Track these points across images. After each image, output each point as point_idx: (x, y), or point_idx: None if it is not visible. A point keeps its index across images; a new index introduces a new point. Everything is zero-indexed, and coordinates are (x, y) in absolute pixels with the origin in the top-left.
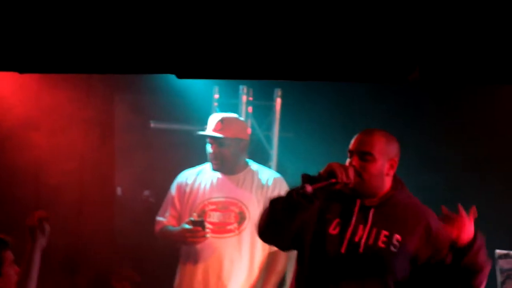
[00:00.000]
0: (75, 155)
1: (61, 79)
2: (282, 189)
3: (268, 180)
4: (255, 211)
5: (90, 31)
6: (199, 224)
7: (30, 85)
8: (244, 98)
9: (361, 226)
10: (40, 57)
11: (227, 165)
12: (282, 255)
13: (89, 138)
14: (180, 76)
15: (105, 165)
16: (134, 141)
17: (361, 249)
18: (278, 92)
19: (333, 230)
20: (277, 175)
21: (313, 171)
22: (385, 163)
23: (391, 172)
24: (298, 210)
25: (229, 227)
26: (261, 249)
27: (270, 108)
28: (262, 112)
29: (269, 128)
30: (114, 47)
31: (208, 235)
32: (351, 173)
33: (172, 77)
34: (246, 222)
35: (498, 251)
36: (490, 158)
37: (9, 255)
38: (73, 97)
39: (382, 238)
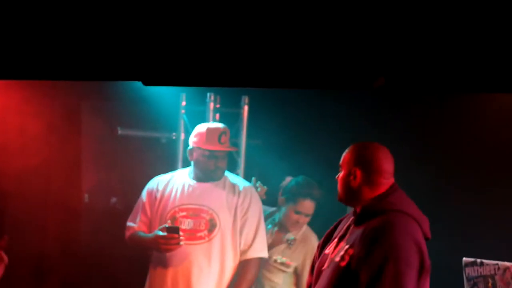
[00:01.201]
0: (41, 163)
1: (27, 86)
2: (253, 198)
3: (239, 188)
4: (225, 219)
5: (56, 38)
6: (174, 230)
7: None
8: (211, 105)
9: (341, 244)
10: (7, 63)
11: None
12: (254, 264)
13: (55, 146)
14: (146, 83)
15: (72, 173)
16: (101, 148)
17: (326, 265)
18: (245, 99)
19: (328, 250)
20: (247, 183)
21: (280, 178)
22: (346, 173)
23: (357, 182)
24: None
25: (199, 234)
26: (232, 257)
27: (238, 116)
28: (229, 120)
29: (236, 135)
30: (80, 54)
31: (182, 243)
32: None
33: (138, 84)
34: (216, 229)
35: (465, 259)
36: (456, 165)
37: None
38: (39, 104)
39: (341, 252)
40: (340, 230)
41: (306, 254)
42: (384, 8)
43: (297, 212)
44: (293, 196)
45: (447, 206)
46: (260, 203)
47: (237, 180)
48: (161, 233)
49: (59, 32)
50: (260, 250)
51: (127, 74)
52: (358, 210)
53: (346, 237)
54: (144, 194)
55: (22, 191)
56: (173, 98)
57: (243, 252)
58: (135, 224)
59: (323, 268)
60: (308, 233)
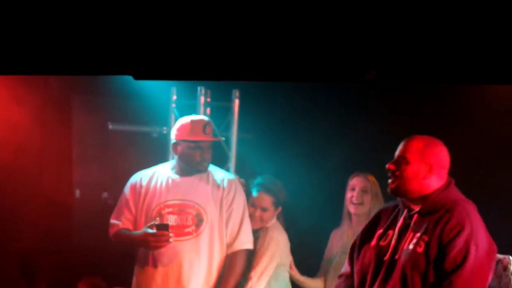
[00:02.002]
0: (32, 158)
1: (18, 80)
2: (237, 190)
3: (223, 181)
4: (212, 213)
5: (47, 32)
6: (164, 228)
7: None
8: (202, 99)
9: (403, 233)
10: None
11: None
12: (241, 256)
13: (46, 140)
14: (137, 77)
15: (63, 168)
16: (92, 143)
17: (397, 255)
18: (236, 93)
19: (383, 241)
20: (232, 176)
21: (271, 172)
22: (421, 167)
23: (429, 176)
24: None
25: (186, 229)
26: (220, 250)
27: (228, 109)
28: (220, 113)
29: (227, 129)
30: (71, 48)
31: (171, 239)
32: None
33: (129, 78)
34: (203, 224)
35: None
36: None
37: None
38: (30, 98)
39: (413, 240)
40: (392, 222)
41: (269, 241)
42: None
43: (253, 205)
44: (251, 189)
45: None
46: (243, 195)
47: (221, 173)
48: (150, 230)
49: (49, 27)
50: (246, 242)
51: (117, 68)
52: (419, 203)
53: (411, 227)
54: (127, 190)
55: (12, 186)
56: (164, 92)
57: (229, 245)
58: (119, 222)
59: (385, 258)
60: (273, 227)
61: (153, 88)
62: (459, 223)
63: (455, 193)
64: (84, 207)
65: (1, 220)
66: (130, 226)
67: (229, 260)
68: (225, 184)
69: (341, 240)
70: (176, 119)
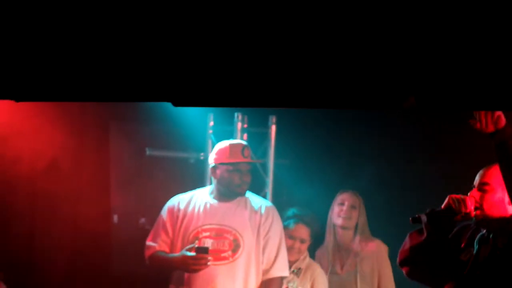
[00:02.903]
0: (71, 184)
1: (57, 107)
2: (274, 217)
3: (261, 207)
4: (249, 239)
5: (86, 58)
6: (203, 251)
7: (26, 113)
8: (239, 125)
9: (483, 248)
10: (36, 85)
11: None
12: (275, 283)
13: (84, 166)
14: (176, 104)
15: (101, 193)
16: (129, 169)
17: (479, 270)
18: (273, 119)
19: (464, 257)
20: (269, 203)
21: (308, 198)
22: (505, 192)
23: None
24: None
25: (223, 254)
26: (255, 276)
27: (265, 135)
28: (257, 139)
29: (264, 155)
30: (109, 74)
31: (209, 263)
32: (468, 203)
33: (167, 105)
34: (240, 250)
35: None
36: None
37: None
38: (68, 125)
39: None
40: (469, 238)
41: (314, 281)
42: (415, 27)
43: (291, 237)
44: (287, 221)
45: None
46: (281, 222)
47: (258, 199)
48: (189, 253)
49: (89, 53)
50: (282, 269)
51: (156, 95)
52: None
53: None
54: (164, 212)
55: (51, 212)
56: (201, 118)
57: (265, 272)
58: (155, 244)
59: (464, 273)
60: (310, 262)
61: (190, 114)
62: None
63: None
64: (121, 232)
65: (42, 245)
66: (167, 249)
67: (264, 287)
68: (263, 210)
69: (327, 258)
70: (213, 145)
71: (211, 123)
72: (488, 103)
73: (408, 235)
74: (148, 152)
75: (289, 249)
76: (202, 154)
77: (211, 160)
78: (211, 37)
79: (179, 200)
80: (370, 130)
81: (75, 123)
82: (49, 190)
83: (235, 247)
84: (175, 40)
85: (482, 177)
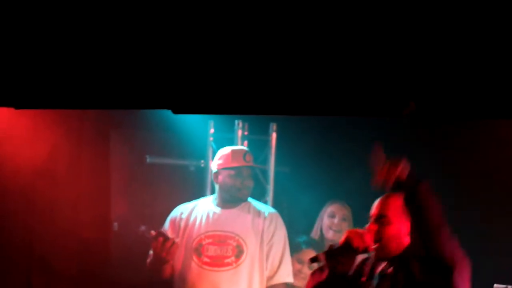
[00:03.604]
0: (70, 191)
1: (56, 114)
2: (278, 223)
3: (264, 214)
4: (252, 244)
5: (86, 67)
6: (159, 235)
7: (25, 120)
8: (239, 132)
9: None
10: (36, 93)
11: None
12: None
13: (84, 174)
14: (176, 111)
15: (101, 201)
16: (130, 176)
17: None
18: (273, 126)
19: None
20: (272, 209)
21: (308, 206)
22: (403, 224)
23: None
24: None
25: (226, 260)
26: (259, 282)
27: (266, 143)
28: (257, 147)
29: (264, 162)
30: (110, 82)
31: (176, 240)
32: (366, 237)
33: (167, 112)
34: (244, 255)
35: (496, 286)
36: (486, 194)
37: None
38: (68, 132)
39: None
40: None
41: None
42: (414, 34)
43: (299, 261)
44: (297, 244)
45: (479, 235)
46: (285, 229)
47: (261, 206)
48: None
49: (89, 61)
50: (286, 276)
51: (156, 102)
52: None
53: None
54: (167, 223)
55: (51, 220)
56: (201, 126)
57: (269, 278)
58: None
59: None
60: None
61: (190, 121)
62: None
63: None
64: (122, 240)
65: (41, 253)
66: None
67: None
68: (266, 216)
69: None
70: (213, 152)
71: (212, 130)
72: (488, 110)
73: (310, 274)
74: (148, 159)
75: (296, 273)
76: (202, 161)
77: (214, 166)
78: (212, 46)
79: (181, 211)
80: (371, 137)
81: (75, 130)
82: (48, 197)
83: (238, 252)
84: (176, 48)
85: (378, 209)
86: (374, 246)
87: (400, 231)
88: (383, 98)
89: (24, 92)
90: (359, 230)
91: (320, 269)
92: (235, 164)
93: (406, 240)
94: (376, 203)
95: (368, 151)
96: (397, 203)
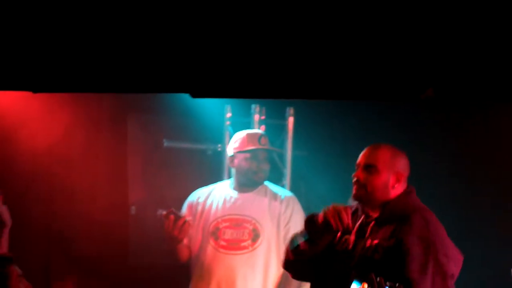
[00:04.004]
0: (88, 175)
1: (74, 98)
2: (294, 207)
3: (281, 197)
4: (269, 228)
5: (104, 50)
6: (170, 213)
7: (43, 104)
8: (256, 117)
9: (359, 239)
10: (53, 76)
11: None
12: None
13: (102, 158)
14: (194, 95)
15: (119, 185)
16: (147, 160)
17: (353, 262)
18: (290, 110)
19: (340, 247)
20: (289, 193)
21: (326, 190)
22: (390, 175)
23: (397, 185)
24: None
25: (243, 244)
26: (276, 266)
27: (283, 127)
28: (274, 131)
29: (281, 146)
30: (127, 66)
31: (188, 219)
32: (345, 215)
33: (185, 96)
34: (260, 239)
35: None
36: (502, 179)
37: (15, 270)
38: (86, 116)
39: (372, 247)
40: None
41: None
42: (433, 18)
43: None
44: None
45: (490, 221)
46: (302, 212)
47: (278, 189)
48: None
49: (107, 45)
50: None
51: (175, 86)
52: (378, 208)
53: (368, 234)
54: (184, 207)
55: (69, 204)
56: (218, 110)
57: None
58: None
59: (341, 266)
60: None
61: (207, 105)
62: (417, 233)
63: (417, 201)
64: (139, 224)
65: (59, 236)
66: (185, 241)
67: (285, 277)
68: (283, 200)
69: None
70: (230, 137)
71: (229, 115)
72: (506, 93)
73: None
74: (165, 143)
75: None
76: (219, 145)
77: (230, 150)
78: (230, 29)
79: (198, 195)
80: (388, 122)
81: (93, 114)
82: (66, 182)
83: (255, 236)
84: (194, 32)
85: (368, 158)
86: (359, 194)
87: (387, 182)
88: (400, 82)
89: (41, 76)
90: (337, 208)
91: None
92: (250, 147)
93: (394, 193)
94: (364, 152)
95: (385, 134)
96: (386, 154)
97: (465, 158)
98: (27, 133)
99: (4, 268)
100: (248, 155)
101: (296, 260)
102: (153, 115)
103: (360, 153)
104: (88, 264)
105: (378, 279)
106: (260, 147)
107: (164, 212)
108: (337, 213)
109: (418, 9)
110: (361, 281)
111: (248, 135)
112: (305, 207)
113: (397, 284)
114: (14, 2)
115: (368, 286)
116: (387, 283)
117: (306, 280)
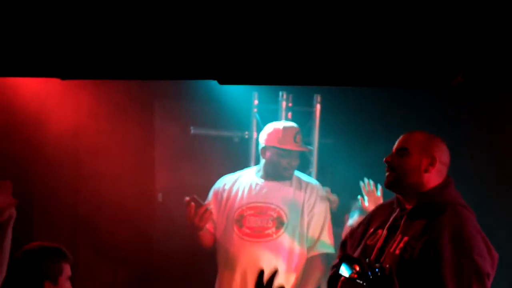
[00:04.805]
0: (115, 161)
1: (100, 85)
2: (318, 195)
3: (306, 185)
4: (293, 216)
5: (131, 37)
6: (192, 200)
7: (71, 91)
8: (283, 104)
9: (392, 235)
10: (81, 63)
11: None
12: (320, 260)
13: (129, 145)
14: (222, 82)
15: (146, 172)
16: (174, 147)
17: (382, 258)
18: (317, 98)
19: (371, 241)
20: (314, 181)
21: (352, 177)
22: (422, 158)
23: (431, 170)
24: None
25: (267, 231)
26: (299, 253)
27: (310, 114)
28: (301, 118)
29: (308, 134)
30: (155, 53)
31: (209, 207)
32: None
33: (212, 83)
34: (284, 227)
35: None
36: None
37: (68, 269)
38: (113, 103)
39: (400, 245)
40: (382, 220)
41: None
42: (464, 4)
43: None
44: (353, 212)
45: None
46: (326, 201)
47: (304, 178)
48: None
49: (134, 31)
50: (326, 246)
51: (202, 73)
52: (413, 201)
53: (400, 229)
54: (210, 194)
55: (95, 191)
56: (246, 97)
57: (310, 249)
58: None
59: (370, 259)
60: None
61: (234, 92)
62: (449, 232)
63: (454, 195)
64: (166, 211)
65: (86, 223)
66: (211, 228)
67: (308, 264)
68: (308, 188)
69: None
70: (257, 124)
71: (256, 102)
72: None
73: None
74: (192, 130)
75: None
76: (246, 132)
77: (262, 140)
78: (257, 16)
79: (224, 182)
80: (417, 110)
81: (120, 101)
82: (93, 169)
83: (279, 224)
84: (221, 18)
85: (401, 142)
86: (390, 178)
87: (419, 165)
88: (430, 69)
89: (69, 62)
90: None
91: None
92: (284, 146)
93: (429, 178)
94: (399, 138)
95: (416, 122)
96: (419, 138)
97: (497, 146)
98: (55, 119)
99: (58, 262)
100: (281, 151)
101: None
102: (180, 102)
103: (387, 140)
104: (114, 252)
105: (367, 260)
106: (295, 147)
107: (187, 199)
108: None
109: None
110: (350, 263)
111: (284, 130)
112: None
113: (387, 266)
114: None
115: (359, 268)
116: (377, 265)
117: None
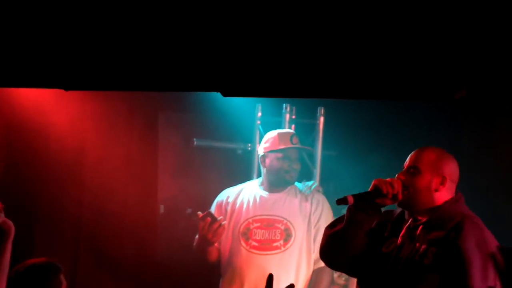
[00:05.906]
0: (118, 173)
1: (104, 96)
2: (325, 206)
3: (311, 196)
4: (300, 228)
5: (136, 48)
6: (207, 215)
7: (75, 102)
8: (287, 116)
9: (407, 243)
10: (85, 74)
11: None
12: (327, 273)
13: (132, 156)
14: (225, 94)
15: (148, 183)
16: (177, 159)
17: (400, 265)
18: (321, 110)
19: (386, 248)
20: (319, 192)
21: (355, 189)
22: (433, 178)
23: (442, 189)
24: (357, 225)
25: (275, 244)
26: (306, 265)
27: (313, 126)
28: (305, 130)
29: (312, 146)
30: (158, 64)
31: (223, 222)
32: (396, 184)
33: (215, 95)
34: (292, 239)
35: None
36: None
37: (63, 280)
38: (116, 114)
39: (420, 252)
40: (396, 228)
41: None
42: (466, 19)
43: None
44: None
45: None
46: (331, 211)
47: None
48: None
49: (138, 43)
50: None
51: (206, 85)
52: (424, 214)
53: (417, 237)
54: (213, 207)
55: (98, 202)
56: (249, 109)
57: (317, 260)
58: None
59: (387, 268)
60: None
61: (238, 104)
62: (473, 239)
63: (465, 208)
64: (168, 222)
65: (89, 234)
66: (216, 243)
67: (315, 275)
68: (313, 199)
69: None
70: (261, 136)
71: (259, 114)
72: None
73: (326, 226)
74: (196, 142)
75: None
76: (249, 144)
77: (260, 150)
78: (261, 29)
79: (228, 194)
80: (420, 122)
81: (123, 112)
82: (96, 180)
83: (287, 236)
84: (225, 30)
85: (411, 160)
86: (402, 194)
87: (430, 185)
88: (433, 82)
89: (73, 74)
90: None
91: (338, 220)
92: (282, 146)
93: (439, 196)
94: (411, 154)
95: (418, 136)
96: (430, 156)
97: (499, 157)
98: (59, 130)
99: (56, 277)
100: (279, 154)
101: (332, 244)
102: (184, 113)
103: (390, 153)
104: (117, 263)
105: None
106: (292, 146)
107: (201, 214)
108: (389, 182)
109: (453, 10)
110: None
111: (280, 134)
112: (334, 207)
113: None
114: (46, 0)
115: None
116: None
117: (342, 270)
